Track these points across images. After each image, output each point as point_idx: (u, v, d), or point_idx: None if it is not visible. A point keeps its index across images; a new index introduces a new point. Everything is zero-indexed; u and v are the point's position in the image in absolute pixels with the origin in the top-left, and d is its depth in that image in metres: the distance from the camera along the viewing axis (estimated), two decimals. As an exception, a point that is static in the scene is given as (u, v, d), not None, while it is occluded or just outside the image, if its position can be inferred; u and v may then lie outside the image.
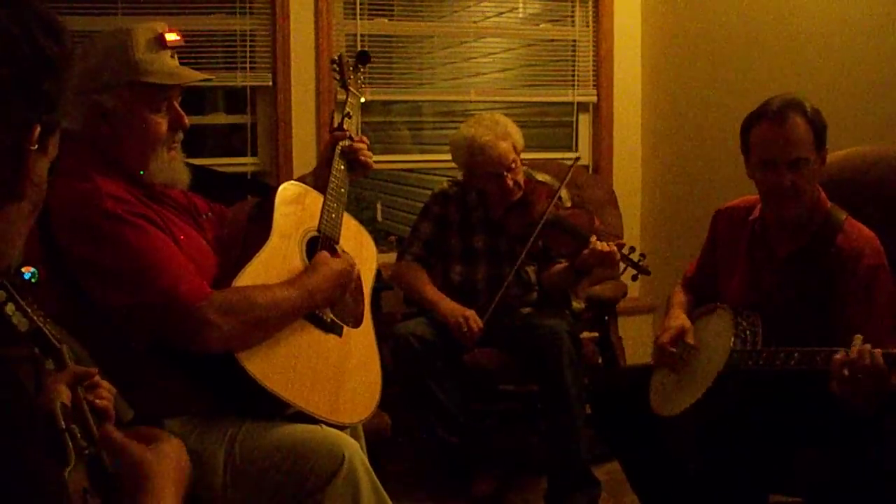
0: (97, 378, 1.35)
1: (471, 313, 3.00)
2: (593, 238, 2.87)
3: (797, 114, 2.16)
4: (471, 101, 4.10)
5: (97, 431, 1.23)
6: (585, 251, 2.87)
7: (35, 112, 0.90)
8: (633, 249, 2.89)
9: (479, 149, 3.06)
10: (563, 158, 4.09)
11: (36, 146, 0.91)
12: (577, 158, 3.35)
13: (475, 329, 2.98)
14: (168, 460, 1.16)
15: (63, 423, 1.21)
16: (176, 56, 1.90)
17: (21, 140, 0.89)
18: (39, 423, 1.11)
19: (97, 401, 1.32)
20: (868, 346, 1.87)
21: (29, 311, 1.20)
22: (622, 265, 2.89)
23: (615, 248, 2.85)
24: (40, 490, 0.88)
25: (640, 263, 2.85)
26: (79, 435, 1.21)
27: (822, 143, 2.19)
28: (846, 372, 1.87)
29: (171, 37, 1.87)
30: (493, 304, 2.99)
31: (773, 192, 2.20)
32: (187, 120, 1.93)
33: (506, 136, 3.08)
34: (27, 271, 1.17)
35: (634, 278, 2.93)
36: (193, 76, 1.93)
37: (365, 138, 2.32)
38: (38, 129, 0.91)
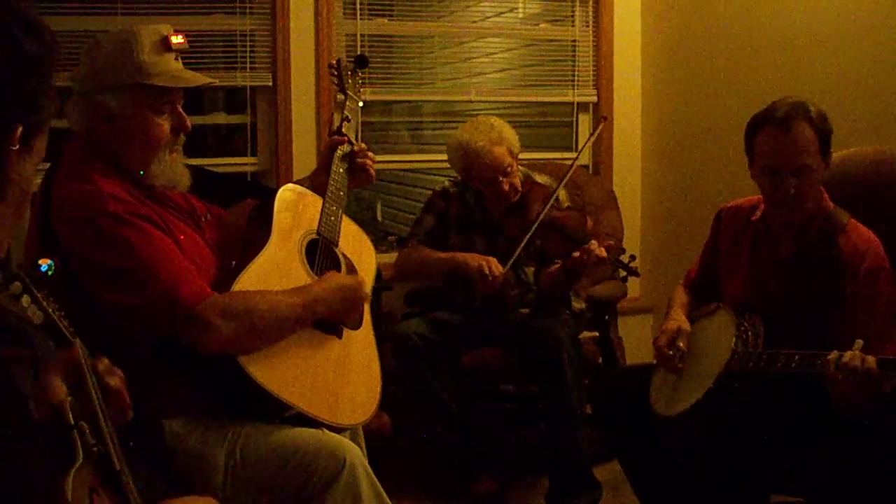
0: (107, 362, 1.34)
1: (492, 259, 2.98)
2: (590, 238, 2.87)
3: (803, 120, 2.14)
4: (471, 101, 4.09)
5: (107, 429, 1.22)
6: (576, 252, 2.87)
7: (16, 112, 0.88)
8: (622, 251, 2.88)
9: (474, 154, 3.05)
10: (562, 159, 4.09)
11: (17, 146, 0.89)
12: (576, 158, 3.28)
13: (497, 273, 2.95)
14: None
15: (72, 419, 1.20)
16: (180, 59, 1.91)
17: (1, 140, 0.88)
18: (35, 424, 1.10)
19: (109, 381, 1.31)
20: (859, 352, 1.87)
21: (44, 303, 1.18)
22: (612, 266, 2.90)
23: (603, 250, 2.84)
24: (31, 497, 0.87)
25: (630, 265, 2.84)
26: (88, 432, 1.20)
27: (826, 149, 2.18)
28: (838, 374, 1.87)
29: (176, 39, 1.87)
30: (512, 257, 2.95)
31: (777, 198, 2.20)
32: (189, 122, 1.93)
33: (500, 141, 3.06)
34: (44, 263, 1.16)
35: (624, 279, 2.96)
36: (198, 80, 1.93)
37: (363, 145, 2.31)
38: (20, 129, 0.89)
